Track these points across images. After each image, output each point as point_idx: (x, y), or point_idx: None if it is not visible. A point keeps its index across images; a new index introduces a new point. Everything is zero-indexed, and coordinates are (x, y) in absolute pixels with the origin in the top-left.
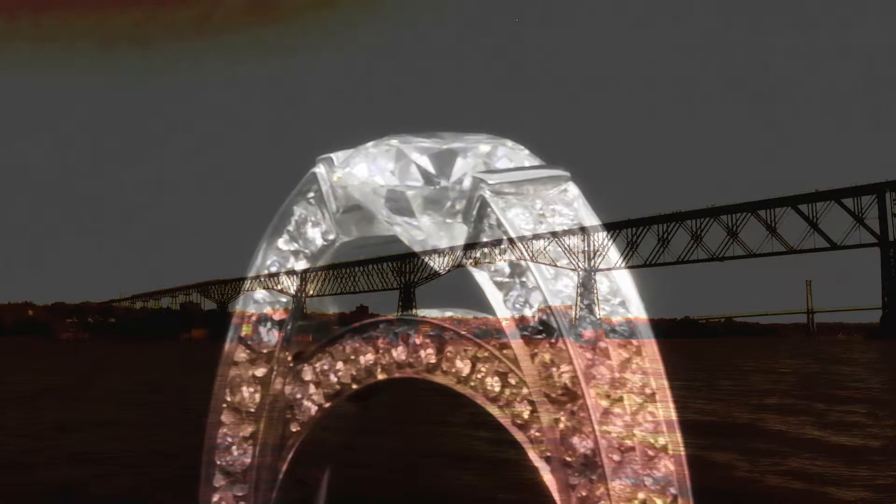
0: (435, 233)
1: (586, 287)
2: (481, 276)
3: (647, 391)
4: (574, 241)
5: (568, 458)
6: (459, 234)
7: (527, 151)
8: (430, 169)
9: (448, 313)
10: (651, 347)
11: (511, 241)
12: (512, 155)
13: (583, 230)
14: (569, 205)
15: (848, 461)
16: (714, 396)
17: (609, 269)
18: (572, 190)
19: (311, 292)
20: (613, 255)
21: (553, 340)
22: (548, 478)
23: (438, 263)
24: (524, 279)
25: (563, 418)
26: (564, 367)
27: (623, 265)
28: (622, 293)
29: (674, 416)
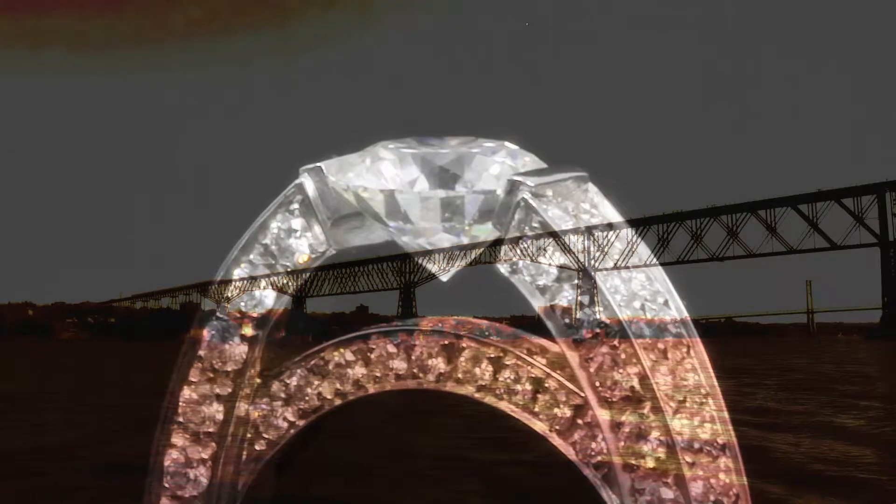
0: (442, 239)
1: (587, 287)
2: (518, 280)
3: (703, 391)
4: (573, 240)
5: (633, 462)
6: (471, 239)
7: (531, 154)
8: (436, 173)
9: (452, 319)
10: (698, 346)
11: (515, 240)
12: (519, 157)
13: (589, 229)
14: (593, 204)
15: None
16: (745, 392)
17: (612, 269)
18: (592, 189)
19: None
20: (618, 251)
21: (615, 342)
22: (597, 483)
23: (439, 268)
24: (574, 282)
25: (628, 422)
26: (631, 369)
27: (627, 262)
28: (663, 292)
29: (727, 415)
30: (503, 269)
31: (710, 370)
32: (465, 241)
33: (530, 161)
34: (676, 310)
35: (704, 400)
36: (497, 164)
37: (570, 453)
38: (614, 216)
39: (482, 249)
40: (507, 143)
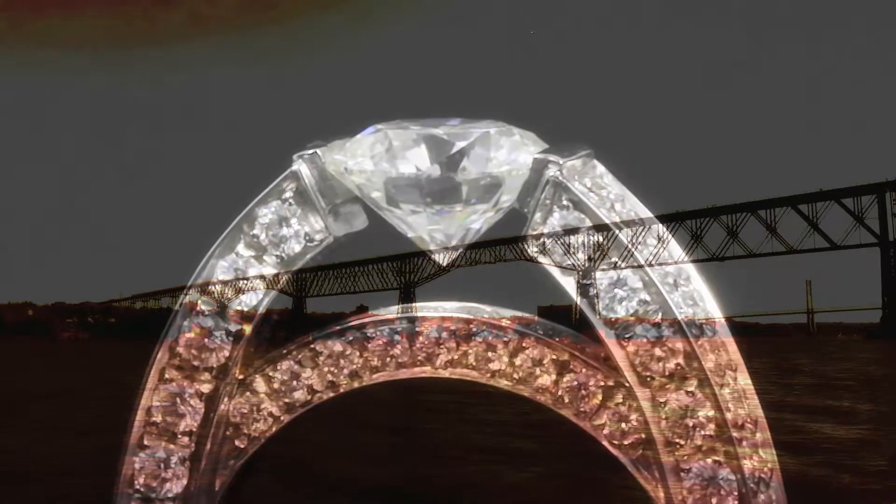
0: (439, 223)
1: (587, 286)
2: (548, 260)
3: (734, 367)
4: (574, 240)
5: (678, 441)
6: (465, 221)
7: (531, 133)
8: (434, 154)
9: (451, 304)
10: (732, 345)
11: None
12: (520, 137)
13: (589, 228)
14: (605, 180)
15: None
16: (774, 391)
17: (611, 269)
18: (600, 166)
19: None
20: (617, 252)
21: (657, 319)
22: (630, 465)
23: (441, 258)
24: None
25: (671, 399)
26: (675, 345)
27: (626, 264)
28: (699, 290)
29: (760, 410)
30: (531, 250)
31: (737, 349)
32: (477, 225)
33: (527, 140)
34: (697, 283)
35: (736, 377)
36: (512, 144)
37: (598, 436)
38: (625, 192)
39: (481, 235)
40: (502, 123)
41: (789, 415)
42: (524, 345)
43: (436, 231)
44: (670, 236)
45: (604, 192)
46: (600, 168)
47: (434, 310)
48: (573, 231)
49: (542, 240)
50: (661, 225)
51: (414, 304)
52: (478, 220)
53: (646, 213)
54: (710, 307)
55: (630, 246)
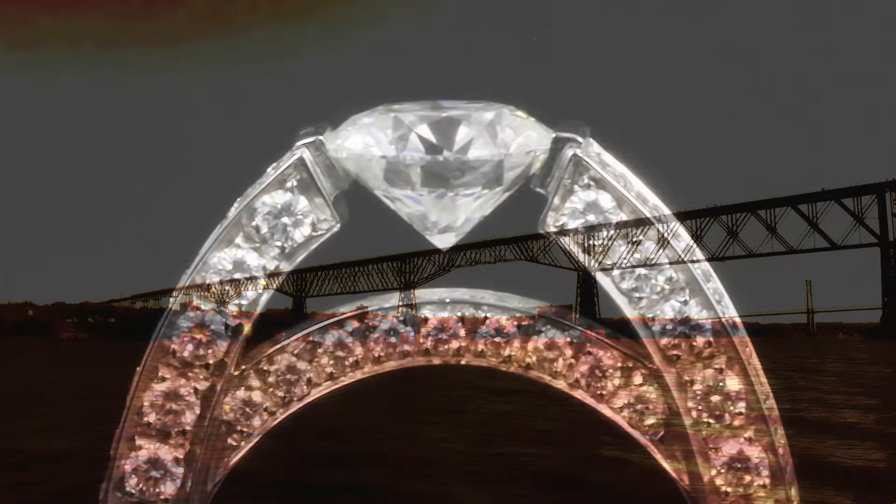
0: (438, 207)
1: (587, 287)
2: (567, 242)
3: (748, 349)
4: (574, 239)
5: (709, 420)
6: (463, 207)
7: (532, 118)
8: (433, 138)
9: (455, 291)
10: (749, 345)
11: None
12: (519, 120)
13: (590, 228)
14: (605, 158)
15: None
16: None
17: (609, 269)
18: (595, 144)
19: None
20: (619, 251)
21: (685, 298)
22: (651, 445)
23: (440, 241)
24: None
25: (699, 378)
26: (707, 322)
27: (628, 262)
28: (709, 268)
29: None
30: (550, 232)
31: (749, 342)
32: (485, 210)
33: (527, 124)
34: (705, 263)
35: (751, 354)
36: (518, 125)
37: (618, 419)
38: (625, 169)
39: (482, 232)
40: (505, 107)
41: (794, 407)
42: (537, 328)
43: (442, 216)
44: (678, 223)
45: (610, 169)
46: (597, 146)
47: (437, 296)
48: (597, 211)
49: (562, 223)
50: (664, 204)
51: (414, 292)
52: (485, 204)
53: (646, 189)
54: (720, 285)
55: (653, 222)
